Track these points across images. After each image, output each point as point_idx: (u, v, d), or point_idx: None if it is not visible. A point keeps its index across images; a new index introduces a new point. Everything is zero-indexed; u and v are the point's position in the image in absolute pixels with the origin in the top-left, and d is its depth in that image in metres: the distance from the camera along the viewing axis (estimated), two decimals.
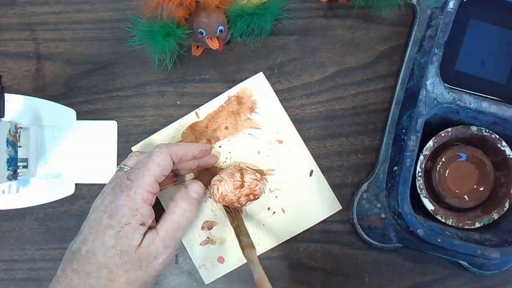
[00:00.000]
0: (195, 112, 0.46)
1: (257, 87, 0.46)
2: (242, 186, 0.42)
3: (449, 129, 0.42)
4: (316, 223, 0.46)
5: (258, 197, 0.43)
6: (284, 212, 0.46)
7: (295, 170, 0.46)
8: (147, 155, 0.39)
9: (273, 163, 0.46)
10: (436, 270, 0.46)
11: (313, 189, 0.46)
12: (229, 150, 0.46)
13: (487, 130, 0.42)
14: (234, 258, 0.45)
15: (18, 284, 0.46)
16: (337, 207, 0.46)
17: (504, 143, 0.42)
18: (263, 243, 0.45)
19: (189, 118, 0.46)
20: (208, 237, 0.46)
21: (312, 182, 0.46)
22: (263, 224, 0.46)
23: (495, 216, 0.42)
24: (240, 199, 0.42)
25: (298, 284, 0.46)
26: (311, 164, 0.46)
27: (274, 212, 0.46)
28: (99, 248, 0.35)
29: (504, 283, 0.46)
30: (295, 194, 0.46)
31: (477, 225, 0.42)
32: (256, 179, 0.43)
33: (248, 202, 0.43)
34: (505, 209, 0.42)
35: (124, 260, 0.35)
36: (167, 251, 0.37)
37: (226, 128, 0.46)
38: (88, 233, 0.36)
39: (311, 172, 0.46)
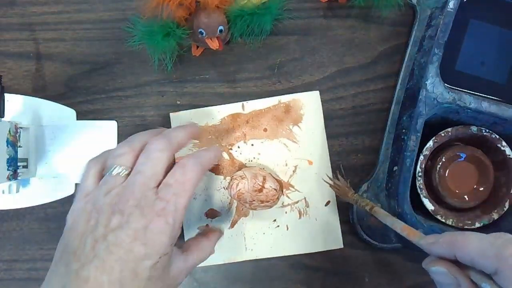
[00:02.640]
0: (242, 103, 0.46)
1: (309, 103, 0.46)
2: (260, 191, 0.42)
3: (449, 129, 0.42)
4: (312, 251, 0.45)
5: (270, 207, 0.44)
6: (287, 229, 0.46)
7: (313, 195, 0.46)
8: (164, 162, 0.33)
9: (295, 180, 0.46)
10: None
11: (323, 220, 0.46)
12: (259, 151, 0.46)
13: (487, 130, 0.42)
14: (224, 254, 0.45)
15: (18, 284, 0.46)
16: (339, 244, 0.45)
17: (504, 143, 0.42)
18: (256, 250, 0.45)
19: (234, 107, 0.46)
20: (207, 224, 0.46)
21: (325, 213, 0.46)
22: (263, 233, 0.45)
23: (495, 216, 0.42)
24: (254, 202, 0.42)
25: (298, 284, 0.46)
26: (331, 195, 0.46)
27: (278, 226, 0.46)
28: (129, 280, 0.30)
29: None
30: (305, 217, 0.46)
31: (477, 225, 0.42)
32: (275, 189, 0.43)
33: (259, 208, 0.43)
34: (505, 209, 0.42)
35: (164, 286, 0.32)
36: (183, 280, 0.35)
37: (265, 130, 0.46)
38: (108, 260, 0.30)
39: (328, 202, 0.46)
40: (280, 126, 0.46)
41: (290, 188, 0.46)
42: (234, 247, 0.45)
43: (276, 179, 0.44)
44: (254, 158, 0.46)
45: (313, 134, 0.46)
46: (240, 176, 0.42)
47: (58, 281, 0.30)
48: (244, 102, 0.46)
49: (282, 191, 0.45)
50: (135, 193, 0.31)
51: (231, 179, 0.43)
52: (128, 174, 0.33)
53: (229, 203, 0.46)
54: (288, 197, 0.46)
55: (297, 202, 0.46)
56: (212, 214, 0.46)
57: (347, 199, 0.42)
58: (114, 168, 0.33)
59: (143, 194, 0.32)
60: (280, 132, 0.46)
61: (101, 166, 0.35)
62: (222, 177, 0.46)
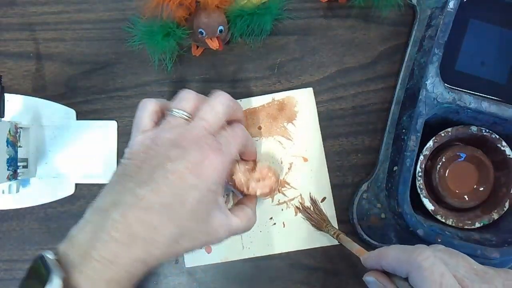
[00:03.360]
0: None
1: (303, 100, 0.46)
2: (253, 169, 0.41)
3: (449, 129, 0.42)
4: (308, 247, 0.45)
5: (272, 190, 0.41)
6: (284, 226, 0.46)
7: (309, 191, 0.46)
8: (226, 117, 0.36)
9: (291, 177, 0.46)
10: None
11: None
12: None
13: (487, 130, 0.42)
14: (222, 253, 0.45)
15: (18, 284, 0.46)
16: (336, 240, 0.45)
17: (504, 143, 0.42)
18: (253, 249, 0.45)
19: None
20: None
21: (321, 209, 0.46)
22: (260, 231, 0.45)
23: (495, 216, 0.42)
24: (250, 183, 0.40)
25: (298, 284, 0.46)
26: (327, 191, 0.46)
27: (274, 223, 0.46)
28: (176, 206, 0.32)
29: None
30: (301, 214, 0.46)
31: (477, 225, 0.42)
32: (268, 167, 0.41)
33: (258, 190, 0.41)
34: (505, 209, 0.42)
35: (197, 227, 0.34)
36: (222, 238, 0.36)
37: (260, 128, 0.46)
38: (163, 184, 0.32)
39: (324, 199, 0.46)
40: (274, 123, 0.46)
41: (286, 185, 0.46)
42: (231, 246, 0.45)
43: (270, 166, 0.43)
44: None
45: (307, 131, 0.46)
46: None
47: (112, 196, 0.33)
48: (238, 100, 0.46)
49: (277, 176, 0.43)
50: (197, 134, 0.34)
51: None
52: (188, 119, 0.35)
53: (226, 202, 0.46)
54: (284, 194, 0.46)
55: (293, 199, 0.46)
56: None
57: (321, 230, 0.45)
58: (178, 110, 0.36)
59: (204, 136, 0.34)
60: (274, 130, 0.46)
61: (159, 108, 0.37)
62: None
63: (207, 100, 0.36)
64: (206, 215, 0.34)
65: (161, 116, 0.37)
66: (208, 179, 0.33)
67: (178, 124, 0.35)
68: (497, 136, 0.42)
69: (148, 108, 0.37)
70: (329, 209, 0.46)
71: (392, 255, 0.33)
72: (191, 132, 0.34)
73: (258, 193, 0.41)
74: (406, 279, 0.31)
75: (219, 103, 0.36)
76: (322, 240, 0.45)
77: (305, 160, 0.46)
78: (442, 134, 0.42)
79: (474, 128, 0.42)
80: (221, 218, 0.35)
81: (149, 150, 0.34)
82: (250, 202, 0.41)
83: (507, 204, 0.42)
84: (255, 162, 0.42)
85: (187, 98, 0.36)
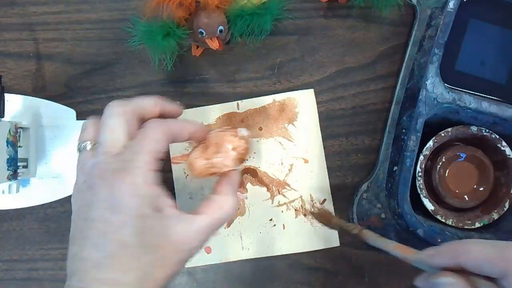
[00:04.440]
0: (237, 102, 0.46)
1: (304, 101, 0.46)
2: (206, 147, 0.34)
3: (449, 129, 0.42)
4: (308, 250, 0.45)
5: (244, 153, 0.35)
6: (284, 228, 0.46)
7: (309, 193, 0.46)
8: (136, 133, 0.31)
9: (291, 178, 0.46)
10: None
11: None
12: (255, 150, 0.46)
13: (487, 130, 0.42)
14: (222, 253, 0.45)
15: (18, 284, 0.46)
16: (336, 242, 0.46)
17: (504, 143, 0.42)
18: (253, 249, 0.45)
19: (229, 106, 0.46)
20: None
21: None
22: (260, 232, 0.46)
23: (495, 216, 0.42)
24: (213, 160, 0.34)
25: (298, 284, 0.46)
26: (327, 193, 0.46)
27: (274, 225, 0.46)
28: (121, 251, 0.29)
29: None
30: (301, 216, 0.46)
31: (477, 225, 0.42)
32: (220, 131, 0.34)
33: (230, 161, 0.34)
34: (505, 209, 0.42)
35: (159, 255, 0.29)
36: (198, 245, 0.31)
37: (260, 129, 0.46)
38: (96, 237, 0.29)
39: (324, 200, 0.46)
40: (275, 124, 0.46)
41: (286, 187, 0.46)
42: (231, 247, 0.45)
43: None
44: (249, 157, 0.46)
45: (308, 133, 0.46)
46: (183, 155, 0.38)
47: (69, 263, 0.30)
48: (239, 101, 0.46)
49: (242, 136, 0.35)
50: (100, 164, 0.30)
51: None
52: (93, 149, 0.32)
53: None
54: (284, 196, 0.46)
55: (293, 201, 0.46)
56: None
57: (330, 226, 0.43)
58: (80, 143, 0.33)
59: (104, 163, 0.30)
60: (275, 131, 0.46)
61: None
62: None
63: (101, 121, 0.32)
64: (160, 238, 0.30)
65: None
66: (130, 207, 0.29)
67: (86, 159, 0.32)
68: (497, 136, 0.42)
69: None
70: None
71: (477, 251, 0.27)
72: (95, 165, 0.31)
73: (224, 169, 0.34)
74: (492, 280, 0.26)
75: (108, 116, 0.32)
76: (322, 242, 0.45)
77: (306, 161, 0.46)
78: (442, 134, 0.42)
79: (474, 128, 0.42)
80: (181, 228, 0.30)
81: (77, 201, 0.31)
82: (220, 185, 0.34)
83: (507, 204, 0.42)
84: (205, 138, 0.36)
85: (84, 128, 0.33)
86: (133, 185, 0.29)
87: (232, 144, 0.34)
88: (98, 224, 0.29)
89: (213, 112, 0.46)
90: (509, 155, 0.42)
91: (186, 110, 0.46)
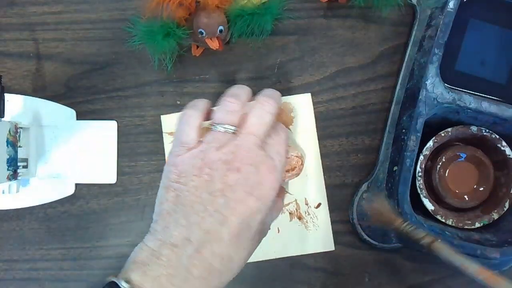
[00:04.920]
0: None
1: (301, 105, 0.46)
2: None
3: (449, 129, 0.42)
4: (303, 253, 0.45)
5: (298, 175, 0.43)
6: (278, 232, 0.46)
7: (304, 197, 0.46)
8: (270, 120, 0.35)
9: (286, 183, 0.45)
10: (436, 270, 0.46)
11: (314, 222, 0.46)
12: None
13: (487, 130, 0.42)
14: None
15: (18, 284, 0.46)
16: (330, 247, 0.45)
17: (504, 143, 0.42)
18: None
19: None
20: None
21: (316, 215, 0.46)
22: None
23: (495, 216, 0.42)
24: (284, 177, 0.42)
25: (298, 284, 0.46)
26: (322, 197, 0.46)
27: (269, 229, 0.45)
28: (244, 231, 0.33)
29: None
30: (295, 219, 0.46)
31: (477, 225, 0.42)
32: (297, 156, 0.42)
33: (288, 179, 0.43)
34: (505, 209, 0.42)
35: (259, 238, 0.36)
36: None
37: None
38: (228, 214, 0.32)
39: (319, 204, 0.46)
40: None
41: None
42: None
43: (296, 149, 0.43)
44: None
45: (304, 137, 0.46)
46: None
47: (180, 231, 0.32)
48: None
49: (304, 157, 0.44)
50: (251, 152, 0.33)
51: None
52: (234, 133, 0.34)
53: None
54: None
55: (288, 205, 0.46)
56: None
57: (392, 228, 0.40)
58: (224, 125, 0.34)
59: (257, 153, 0.34)
60: None
61: (201, 119, 0.36)
62: None
63: (253, 109, 0.35)
64: (265, 226, 0.36)
65: (207, 117, 0.36)
66: (268, 198, 0.33)
67: (226, 140, 0.34)
68: (497, 136, 0.42)
69: (190, 121, 0.35)
70: (324, 215, 0.46)
71: None
72: (243, 151, 0.33)
73: (286, 181, 0.43)
74: None
75: (267, 112, 0.35)
76: (317, 245, 0.45)
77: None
78: (442, 134, 0.42)
79: (474, 128, 0.42)
80: (270, 217, 0.37)
81: (203, 174, 0.33)
82: (281, 193, 0.42)
83: (507, 204, 0.42)
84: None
85: (232, 109, 0.35)
86: (277, 181, 0.34)
87: (298, 171, 0.42)
88: (235, 204, 0.32)
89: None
90: (509, 155, 0.42)
91: (177, 113, 0.46)
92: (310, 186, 0.46)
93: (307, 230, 0.46)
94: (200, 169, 0.33)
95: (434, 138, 0.42)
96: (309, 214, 0.46)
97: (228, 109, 0.35)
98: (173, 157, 0.34)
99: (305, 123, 0.46)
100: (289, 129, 0.46)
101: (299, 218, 0.46)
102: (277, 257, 0.45)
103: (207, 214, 0.32)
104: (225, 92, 0.37)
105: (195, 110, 0.36)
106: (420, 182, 0.42)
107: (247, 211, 0.32)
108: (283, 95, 0.46)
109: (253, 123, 0.34)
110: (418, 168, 0.41)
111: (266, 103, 0.35)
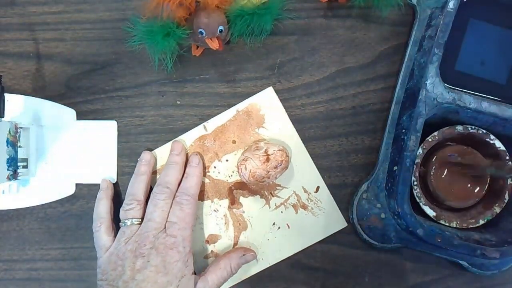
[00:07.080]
0: (203, 125, 0.46)
1: (266, 101, 0.46)
2: (268, 159, 0.42)
3: (435, 133, 0.42)
4: (320, 239, 0.46)
5: (286, 168, 0.43)
6: (289, 227, 0.46)
7: (301, 185, 0.46)
8: (164, 203, 0.41)
9: (279, 178, 0.45)
10: (436, 270, 0.46)
11: (319, 206, 0.46)
12: (236, 164, 0.46)
13: (473, 127, 0.42)
14: (239, 272, 0.44)
15: (18, 284, 0.46)
16: (343, 224, 0.46)
17: (492, 137, 0.42)
18: (267, 258, 0.45)
19: (197, 131, 0.46)
20: (212, 251, 0.46)
21: (318, 198, 0.46)
22: (268, 239, 0.46)
23: (497, 209, 0.42)
24: (269, 172, 0.42)
25: (298, 284, 0.46)
26: (318, 180, 0.46)
27: (279, 228, 0.46)
28: None
29: (504, 283, 0.46)
30: (300, 209, 0.46)
31: (481, 222, 0.42)
32: (280, 150, 0.43)
33: (278, 175, 0.43)
34: (506, 201, 0.42)
35: None
36: None
37: (234, 142, 0.46)
38: None
39: (317, 188, 0.46)
40: (246, 133, 0.46)
41: (277, 187, 0.46)
42: (247, 264, 0.45)
43: (276, 144, 0.44)
44: (233, 172, 0.46)
45: (280, 129, 0.46)
46: (243, 160, 0.42)
47: None
48: (205, 123, 0.46)
49: (286, 151, 0.43)
50: (150, 237, 0.40)
51: (237, 167, 0.43)
52: (140, 223, 0.41)
53: (225, 223, 0.46)
54: (278, 197, 0.46)
55: (288, 199, 0.46)
56: (212, 239, 0.46)
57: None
58: (128, 220, 0.41)
59: (156, 236, 0.40)
60: (248, 139, 0.46)
61: (108, 223, 0.43)
62: (209, 201, 0.46)
63: (150, 200, 0.42)
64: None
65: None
66: (175, 271, 0.39)
67: (132, 232, 0.41)
68: (484, 131, 0.42)
69: (100, 228, 0.42)
70: (327, 196, 0.46)
71: None
72: (146, 237, 0.40)
73: (277, 177, 0.44)
74: None
75: (160, 200, 0.41)
76: (330, 227, 0.46)
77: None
78: (430, 140, 0.42)
79: (459, 128, 0.42)
80: (200, 285, 0.41)
81: (117, 267, 0.39)
82: (234, 253, 0.44)
83: (507, 196, 0.42)
84: (266, 149, 0.43)
85: (132, 207, 0.42)
86: (181, 254, 0.40)
87: (285, 165, 0.43)
88: (146, 284, 0.38)
89: (184, 142, 0.46)
90: (499, 147, 0.42)
91: (156, 150, 0.46)
92: (303, 173, 0.46)
93: (315, 216, 0.46)
94: (114, 263, 0.40)
95: (422, 144, 0.42)
96: (311, 200, 0.46)
97: (126, 208, 0.42)
98: (98, 261, 0.41)
99: (276, 115, 0.46)
100: (263, 127, 0.46)
101: (304, 207, 0.46)
102: (296, 251, 0.45)
103: None
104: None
105: (98, 220, 0.43)
106: (417, 191, 0.42)
107: (156, 287, 0.38)
108: (282, 95, 0.46)
109: (150, 211, 0.41)
110: (412, 178, 0.41)
111: (158, 192, 0.42)
